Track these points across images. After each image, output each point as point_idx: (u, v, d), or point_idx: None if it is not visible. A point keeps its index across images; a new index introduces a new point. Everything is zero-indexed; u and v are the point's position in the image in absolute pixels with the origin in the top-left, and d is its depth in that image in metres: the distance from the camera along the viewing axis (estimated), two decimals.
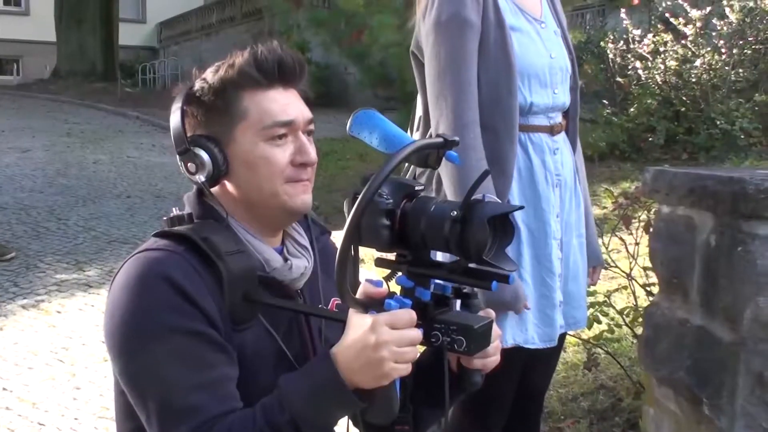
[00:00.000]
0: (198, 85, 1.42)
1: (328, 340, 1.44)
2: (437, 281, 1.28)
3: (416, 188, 1.28)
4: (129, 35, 26.07)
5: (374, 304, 1.23)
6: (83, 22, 22.63)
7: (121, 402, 1.40)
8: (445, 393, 1.29)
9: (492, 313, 1.33)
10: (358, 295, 1.25)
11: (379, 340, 1.19)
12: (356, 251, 1.21)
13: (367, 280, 1.27)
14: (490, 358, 1.35)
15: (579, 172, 2.24)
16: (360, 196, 1.15)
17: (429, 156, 1.32)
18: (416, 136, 2.17)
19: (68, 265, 6.01)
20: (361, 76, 12.10)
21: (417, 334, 1.22)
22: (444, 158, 1.31)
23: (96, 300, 5.17)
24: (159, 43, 28.64)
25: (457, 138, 1.31)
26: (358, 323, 1.23)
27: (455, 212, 1.20)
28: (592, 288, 2.40)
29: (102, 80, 22.09)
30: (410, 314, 1.21)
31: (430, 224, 1.22)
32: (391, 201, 1.24)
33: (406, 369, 1.22)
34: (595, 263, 2.32)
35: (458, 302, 1.30)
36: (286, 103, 1.41)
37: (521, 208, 1.31)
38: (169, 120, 1.40)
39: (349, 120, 1.38)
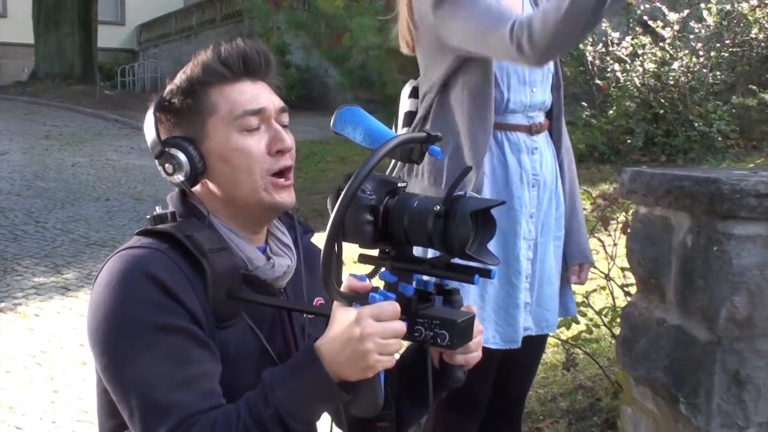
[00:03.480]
0: (167, 89, 1.44)
1: (311, 338, 1.44)
2: (419, 277, 1.29)
3: (399, 185, 1.29)
4: (108, 37, 25.88)
5: (358, 298, 1.24)
6: (61, 24, 22.41)
7: (103, 400, 1.40)
8: (427, 389, 1.30)
9: (474, 308, 1.34)
10: (341, 290, 1.26)
11: (363, 332, 1.19)
12: (340, 247, 1.21)
13: (351, 275, 1.27)
14: (472, 354, 1.36)
15: (565, 172, 2.23)
16: (344, 192, 1.15)
17: (412, 150, 1.34)
18: (403, 131, 2.16)
19: (46, 269, 5.96)
20: (342, 79, 12.12)
21: (401, 326, 1.23)
22: (427, 153, 1.33)
23: (74, 303, 5.14)
24: (138, 45, 28.47)
25: (440, 134, 1.32)
26: (343, 316, 1.23)
27: (438, 207, 1.21)
28: (575, 287, 2.41)
29: (81, 83, 21.90)
30: (394, 306, 1.22)
31: (413, 220, 1.23)
32: (374, 197, 1.25)
33: (390, 361, 1.23)
34: (583, 260, 2.30)
35: (440, 298, 1.31)
36: (255, 93, 1.42)
37: (503, 203, 1.32)
38: None
39: (333, 116, 1.38)
